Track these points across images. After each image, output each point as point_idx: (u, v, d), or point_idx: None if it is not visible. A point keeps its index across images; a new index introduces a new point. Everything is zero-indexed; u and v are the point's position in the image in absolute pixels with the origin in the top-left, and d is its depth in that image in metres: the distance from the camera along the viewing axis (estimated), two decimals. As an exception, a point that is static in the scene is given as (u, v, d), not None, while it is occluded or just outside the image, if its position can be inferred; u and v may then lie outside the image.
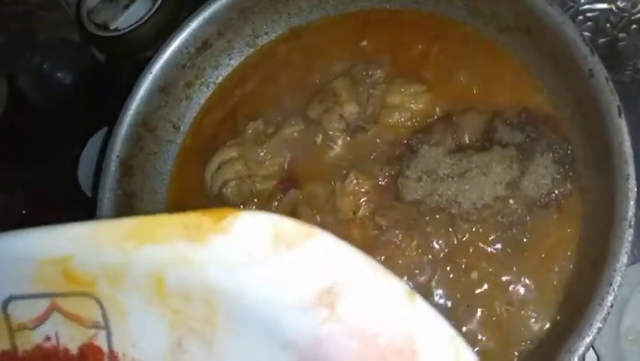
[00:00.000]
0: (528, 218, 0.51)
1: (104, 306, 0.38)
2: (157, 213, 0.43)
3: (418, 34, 0.61)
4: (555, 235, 0.51)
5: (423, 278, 0.52)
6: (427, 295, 0.51)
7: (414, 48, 0.61)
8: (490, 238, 0.51)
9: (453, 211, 0.52)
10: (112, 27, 0.74)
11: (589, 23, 0.65)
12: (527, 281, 0.51)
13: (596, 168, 0.50)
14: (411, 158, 0.55)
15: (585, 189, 0.51)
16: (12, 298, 0.39)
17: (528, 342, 0.49)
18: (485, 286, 0.51)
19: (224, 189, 0.60)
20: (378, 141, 0.58)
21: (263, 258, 0.34)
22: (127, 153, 0.62)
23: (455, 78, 0.58)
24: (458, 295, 0.51)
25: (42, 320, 0.39)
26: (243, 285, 0.34)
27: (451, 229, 0.52)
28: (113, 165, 0.61)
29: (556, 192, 0.51)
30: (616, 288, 0.44)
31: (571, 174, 0.52)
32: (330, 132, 0.59)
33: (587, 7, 0.65)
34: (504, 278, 0.51)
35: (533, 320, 0.49)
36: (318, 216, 0.56)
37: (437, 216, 0.53)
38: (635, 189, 0.46)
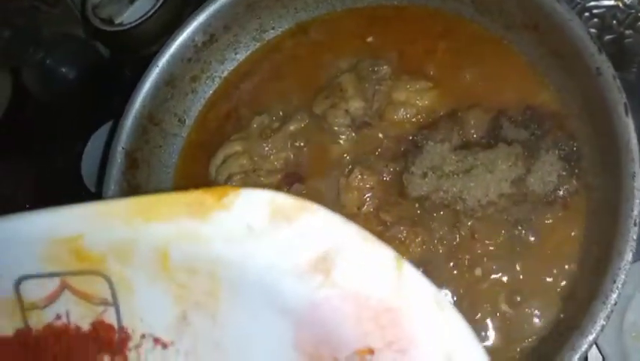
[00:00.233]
0: (533, 215, 0.51)
1: (113, 283, 0.40)
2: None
3: (425, 30, 0.61)
4: (560, 232, 0.51)
5: (427, 274, 0.52)
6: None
7: (420, 45, 0.61)
8: (495, 235, 0.51)
9: (458, 208, 0.52)
10: (117, 22, 0.74)
11: (595, 20, 0.65)
12: (531, 278, 0.51)
13: (602, 166, 0.50)
14: (416, 154, 0.55)
15: (591, 187, 0.51)
16: (24, 278, 0.40)
17: (531, 339, 0.49)
18: (489, 283, 0.51)
19: (228, 183, 0.60)
20: (383, 136, 0.58)
21: (262, 230, 0.36)
22: (132, 145, 0.62)
23: (461, 75, 0.58)
24: (462, 291, 0.51)
25: (53, 298, 0.41)
26: (245, 255, 0.37)
27: (455, 226, 0.52)
28: (118, 157, 0.61)
29: (561, 189, 0.51)
30: (620, 286, 0.44)
31: (576, 171, 0.52)
32: (336, 128, 0.59)
33: (593, 3, 0.65)
34: (508, 275, 0.51)
35: (536, 317, 0.50)
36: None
37: (442, 213, 0.53)
38: (641, 188, 0.46)
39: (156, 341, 0.40)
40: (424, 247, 0.52)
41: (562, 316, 0.49)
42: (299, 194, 0.57)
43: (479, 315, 0.50)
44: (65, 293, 0.40)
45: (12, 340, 0.41)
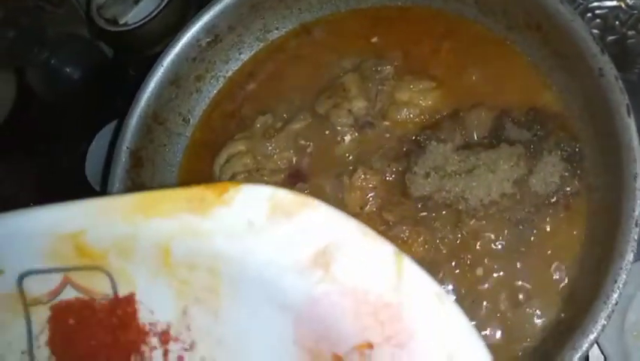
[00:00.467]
0: (535, 215, 0.51)
1: (114, 279, 0.40)
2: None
3: (428, 31, 0.62)
4: (561, 232, 0.51)
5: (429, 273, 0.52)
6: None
7: (424, 45, 0.61)
8: (497, 235, 0.52)
9: (460, 208, 0.52)
10: (121, 22, 0.74)
11: (597, 21, 0.65)
12: (532, 278, 0.51)
13: (604, 167, 0.51)
14: (419, 154, 0.55)
15: (592, 188, 0.51)
16: (27, 274, 0.41)
17: (532, 338, 0.49)
18: (490, 283, 0.51)
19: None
20: (386, 136, 0.58)
21: (262, 226, 0.36)
22: (137, 144, 0.63)
23: (464, 75, 0.58)
24: (463, 291, 0.52)
25: (55, 294, 0.41)
26: (245, 251, 0.37)
27: (457, 226, 0.53)
28: (123, 156, 0.62)
29: (563, 190, 0.51)
30: (621, 286, 0.44)
31: (578, 172, 0.52)
32: (339, 127, 0.60)
33: (595, 4, 0.65)
34: (509, 275, 0.51)
35: (538, 316, 0.50)
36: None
37: (444, 213, 0.53)
38: (642, 188, 0.46)
39: (157, 336, 0.41)
40: (426, 246, 0.53)
41: (563, 315, 0.49)
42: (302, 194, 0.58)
43: (481, 314, 0.50)
44: (68, 288, 0.41)
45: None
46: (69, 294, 0.41)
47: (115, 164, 0.62)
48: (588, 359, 0.54)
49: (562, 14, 0.53)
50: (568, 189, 0.51)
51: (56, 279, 0.41)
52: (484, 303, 0.51)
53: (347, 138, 0.59)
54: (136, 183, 0.62)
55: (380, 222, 0.55)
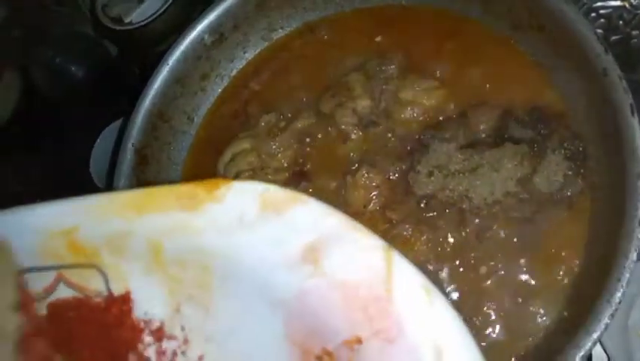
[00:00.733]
0: (538, 214, 0.51)
1: (107, 276, 0.40)
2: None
3: (433, 30, 0.62)
4: (565, 231, 0.51)
5: (432, 272, 0.52)
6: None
7: (428, 44, 0.61)
8: (500, 234, 0.52)
9: (463, 206, 0.53)
10: (126, 21, 0.74)
11: (601, 20, 0.65)
12: (535, 277, 0.51)
13: (608, 166, 0.51)
14: (422, 153, 0.55)
15: (596, 187, 0.52)
16: (22, 272, 0.40)
17: (535, 337, 0.49)
18: (494, 281, 0.51)
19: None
20: (390, 135, 0.59)
21: (253, 221, 0.36)
22: (142, 142, 0.63)
23: (468, 75, 0.59)
24: (466, 289, 0.52)
25: (49, 291, 0.41)
26: (236, 246, 0.37)
27: (461, 224, 0.53)
28: (128, 153, 0.62)
29: (567, 189, 0.51)
30: (624, 285, 0.44)
31: (582, 171, 0.52)
32: (343, 126, 0.60)
33: (599, 4, 0.65)
34: (512, 273, 0.51)
35: (541, 315, 0.50)
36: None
37: (447, 211, 0.53)
38: (646, 188, 0.46)
39: (152, 334, 0.41)
40: (430, 245, 0.53)
41: (566, 314, 0.49)
42: (306, 192, 0.58)
43: (484, 313, 0.51)
44: (61, 286, 0.41)
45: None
46: (63, 292, 0.41)
47: (120, 161, 0.62)
48: (591, 358, 0.54)
49: (566, 14, 0.53)
50: (571, 188, 0.51)
51: (50, 277, 0.40)
52: (488, 301, 0.51)
53: (351, 137, 0.60)
54: (141, 181, 0.63)
55: (383, 221, 0.55)
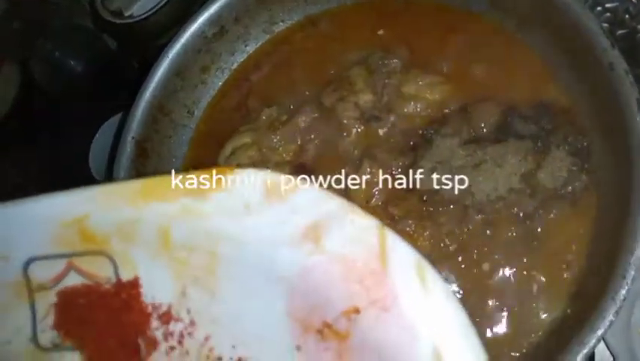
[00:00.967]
0: (542, 210, 0.51)
1: (116, 263, 0.42)
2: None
3: (436, 24, 0.61)
4: (569, 227, 0.51)
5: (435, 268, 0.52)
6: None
7: (432, 38, 0.60)
8: (503, 230, 0.51)
9: (466, 202, 0.52)
10: (126, 14, 0.74)
11: (607, 14, 0.64)
12: (539, 273, 0.51)
13: (613, 161, 0.50)
14: (425, 148, 0.55)
15: (600, 183, 0.51)
16: (32, 260, 0.42)
17: (538, 333, 0.49)
18: (497, 278, 0.51)
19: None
20: (392, 130, 0.58)
21: (258, 206, 0.39)
22: (142, 135, 0.62)
23: (472, 69, 0.58)
24: (469, 286, 0.51)
25: (59, 279, 0.42)
26: (241, 230, 0.40)
27: (463, 220, 0.52)
28: (128, 146, 0.62)
29: (571, 185, 0.51)
30: (629, 282, 0.44)
31: (586, 166, 0.52)
32: (345, 121, 0.59)
33: (605, -3, 0.65)
34: (516, 270, 0.51)
35: (544, 311, 0.50)
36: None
37: (450, 207, 0.53)
38: (652, 184, 0.46)
39: (159, 317, 0.42)
40: (432, 241, 0.52)
41: (569, 311, 0.49)
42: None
43: (487, 309, 0.50)
44: (71, 274, 0.42)
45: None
46: (73, 279, 0.42)
47: (120, 153, 0.62)
48: (594, 356, 0.54)
49: (572, 8, 0.53)
50: (576, 184, 0.51)
51: (60, 264, 0.42)
52: (491, 298, 0.50)
53: (353, 132, 0.59)
54: (141, 174, 0.62)
55: (385, 217, 0.55)
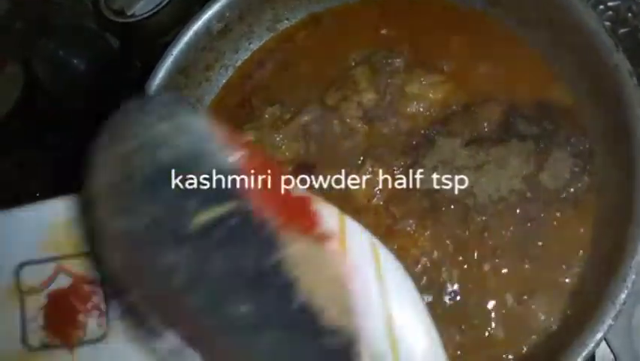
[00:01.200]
0: (544, 212, 0.51)
1: None
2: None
3: (439, 23, 0.61)
4: (570, 229, 0.51)
5: (435, 268, 0.52)
6: (438, 285, 0.52)
7: (435, 37, 0.60)
8: (504, 231, 0.51)
9: (468, 203, 0.52)
10: (129, 13, 0.74)
11: (610, 13, 0.64)
12: (540, 275, 0.51)
13: (615, 163, 0.50)
14: (427, 148, 0.55)
15: (602, 184, 0.51)
16: (23, 265, 0.43)
17: (538, 335, 0.49)
18: (497, 279, 0.51)
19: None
20: (395, 130, 0.58)
21: None
22: (146, 134, 0.63)
23: (475, 69, 0.58)
24: (470, 287, 0.51)
25: (49, 282, 0.43)
26: None
27: (465, 221, 0.52)
28: (132, 146, 0.62)
29: (573, 186, 0.51)
30: (630, 285, 0.44)
31: (588, 168, 0.51)
32: (347, 120, 0.59)
33: (608, -5, 0.64)
34: (516, 271, 0.51)
35: (544, 313, 0.50)
36: (332, 203, 0.56)
37: (452, 207, 0.53)
38: (654, 186, 0.46)
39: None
40: (433, 241, 0.52)
41: (569, 313, 0.49)
42: (309, 185, 0.58)
43: (487, 310, 0.50)
44: (61, 276, 0.43)
45: None
46: (63, 281, 0.43)
47: (124, 153, 0.62)
48: (594, 357, 0.54)
49: (574, 7, 0.52)
50: (578, 185, 0.51)
51: (50, 268, 0.43)
52: (491, 299, 0.51)
53: (356, 131, 0.59)
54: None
55: (387, 216, 0.55)
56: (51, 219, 0.42)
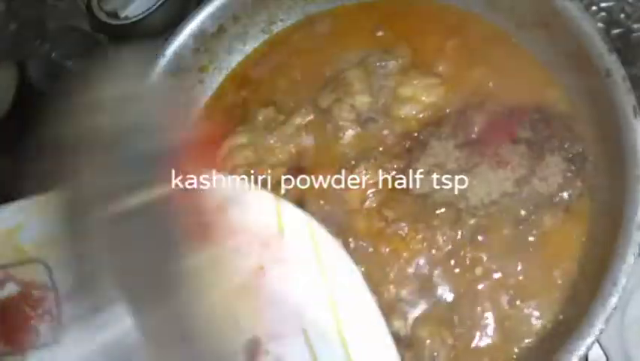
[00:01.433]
0: (536, 216, 0.51)
1: (51, 268, 0.43)
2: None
3: (435, 26, 0.61)
4: (562, 233, 0.51)
5: (427, 271, 0.52)
6: (430, 289, 0.51)
7: (430, 40, 0.60)
8: (496, 235, 0.51)
9: (460, 206, 0.52)
10: (122, 15, 0.74)
11: (603, 14, 0.64)
12: (532, 279, 0.50)
13: (608, 168, 0.50)
14: (420, 151, 0.55)
15: (595, 189, 0.51)
16: None
17: (530, 339, 0.49)
18: (489, 282, 0.51)
19: (233, 175, 0.60)
20: (388, 132, 0.58)
21: None
22: (139, 135, 0.62)
23: (470, 72, 0.58)
24: (461, 290, 0.51)
25: None
26: None
27: (457, 224, 0.52)
28: (124, 147, 0.62)
29: (565, 190, 0.51)
30: (620, 289, 0.44)
31: (581, 172, 0.51)
32: (341, 122, 0.59)
33: (601, -3, 0.64)
34: (508, 275, 0.51)
35: (536, 317, 0.50)
36: (325, 206, 0.56)
37: (444, 210, 0.53)
38: (645, 191, 0.46)
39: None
40: (425, 244, 0.52)
41: (561, 317, 0.49)
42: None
43: (479, 314, 0.50)
44: (9, 284, 0.44)
45: None
46: (11, 289, 0.44)
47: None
48: (587, 358, 0.54)
49: (569, 11, 0.52)
50: (570, 190, 0.51)
51: None
52: (483, 303, 0.50)
53: (349, 133, 0.59)
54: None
55: (379, 219, 0.55)
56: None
